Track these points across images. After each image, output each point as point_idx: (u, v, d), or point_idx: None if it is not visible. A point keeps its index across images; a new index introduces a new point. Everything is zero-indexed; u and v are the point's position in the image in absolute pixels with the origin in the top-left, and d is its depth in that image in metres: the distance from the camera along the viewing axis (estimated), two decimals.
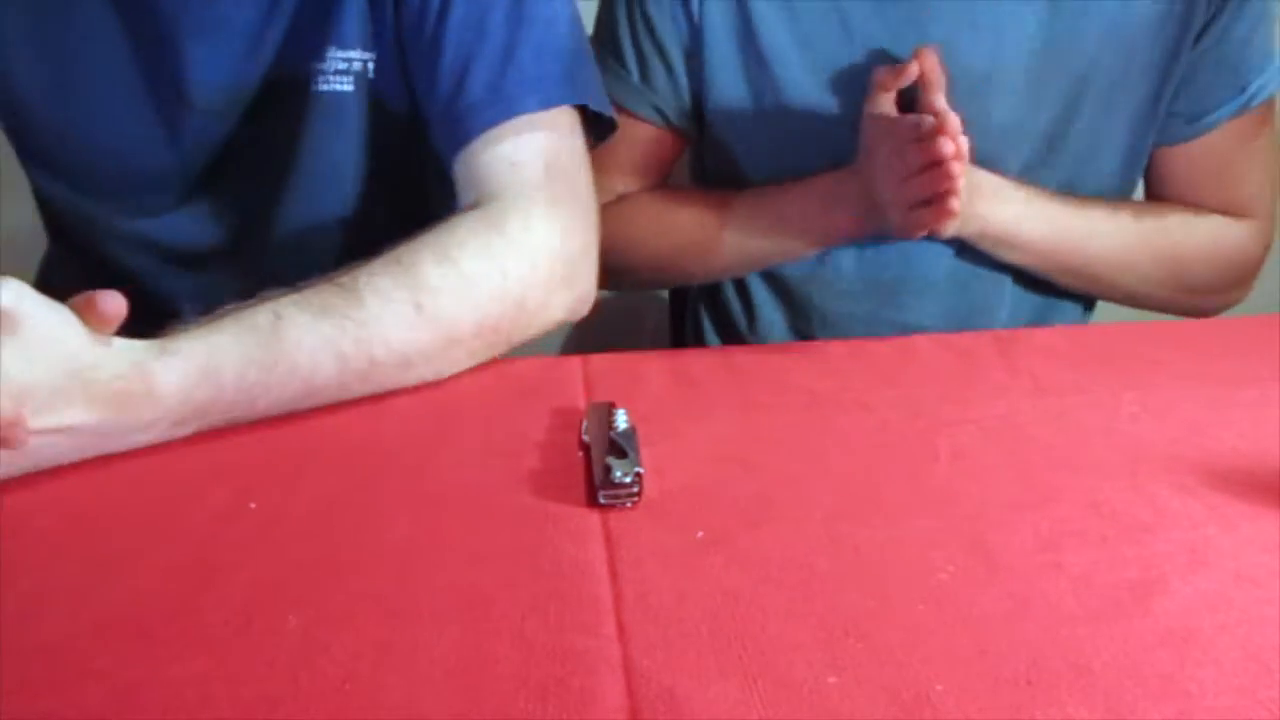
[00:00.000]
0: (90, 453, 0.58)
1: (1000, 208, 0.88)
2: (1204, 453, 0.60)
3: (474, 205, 0.74)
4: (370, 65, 0.81)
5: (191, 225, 0.86)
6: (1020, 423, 0.64)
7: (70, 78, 0.81)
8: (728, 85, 0.91)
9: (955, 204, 0.79)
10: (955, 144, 0.77)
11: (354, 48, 0.80)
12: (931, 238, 0.85)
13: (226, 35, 0.79)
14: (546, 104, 0.75)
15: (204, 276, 0.88)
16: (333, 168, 0.84)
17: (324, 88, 0.80)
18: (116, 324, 0.57)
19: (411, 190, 0.91)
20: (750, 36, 0.89)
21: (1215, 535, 0.52)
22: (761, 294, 1.02)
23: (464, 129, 0.75)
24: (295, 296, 0.64)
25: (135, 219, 0.86)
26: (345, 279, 0.66)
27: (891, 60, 0.86)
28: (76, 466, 0.58)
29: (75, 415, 0.56)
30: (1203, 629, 0.45)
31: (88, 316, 0.56)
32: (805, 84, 0.89)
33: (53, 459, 0.57)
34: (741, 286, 1.02)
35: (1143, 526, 0.53)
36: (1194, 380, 0.69)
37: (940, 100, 0.81)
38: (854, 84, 0.87)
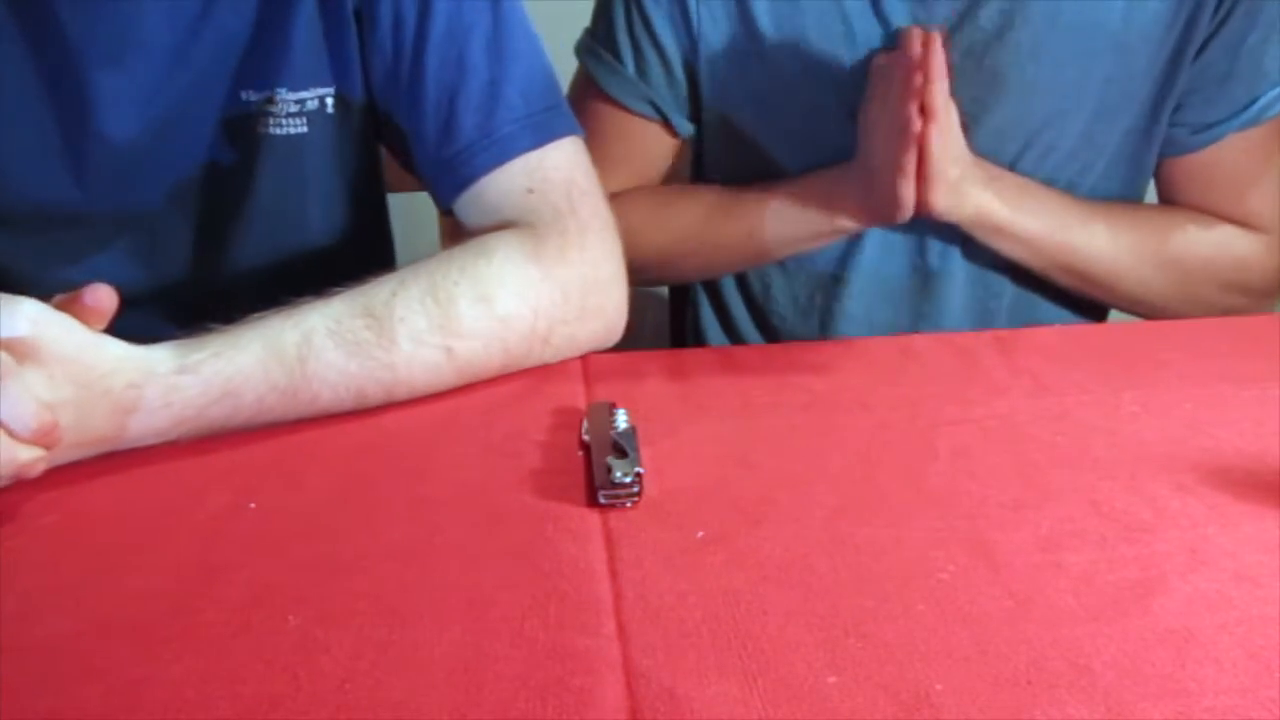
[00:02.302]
0: (102, 450, 0.59)
1: (994, 193, 0.87)
2: (1204, 453, 0.60)
3: (501, 227, 0.71)
4: (329, 100, 0.76)
5: (116, 269, 0.77)
6: (1020, 423, 0.64)
7: None
8: (725, 82, 0.91)
9: (939, 120, 0.78)
10: (927, 54, 0.77)
11: (307, 87, 0.75)
12: (927, 222, 0.84)
13: (141, 64, 0.72)
14: (540, 142, 0.73)
15: (134, 322, 0.73)
16: (290, 209, 0.79)
17: (276, 131, 0.75)
18: (110, 315, 0.57)
19: (382, 216, 0.88)
20: (751, 35, 0.89)
21: (1215, 535, 0.52)
22: (758, 293, 1.02)
23: (462, 174, 0.73)
24: (328, 322, 0.63)
25: (55, 263, 0.78)
26: (380, 306, 0.65)
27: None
28: (76, 466, 0.58)
29: (98, 427, 0.57)
30: (1203, 629, 0.45)
31: (78, 313, 0.56)
32: (805, 83, 0.89)
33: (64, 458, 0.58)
34: (743, 284, 1.02)
35: (1143, 526, 0.53)
36: (1194, 380, 0.69)
37: (918, 30, 0.81)
38: (853, 83, 0.87)
